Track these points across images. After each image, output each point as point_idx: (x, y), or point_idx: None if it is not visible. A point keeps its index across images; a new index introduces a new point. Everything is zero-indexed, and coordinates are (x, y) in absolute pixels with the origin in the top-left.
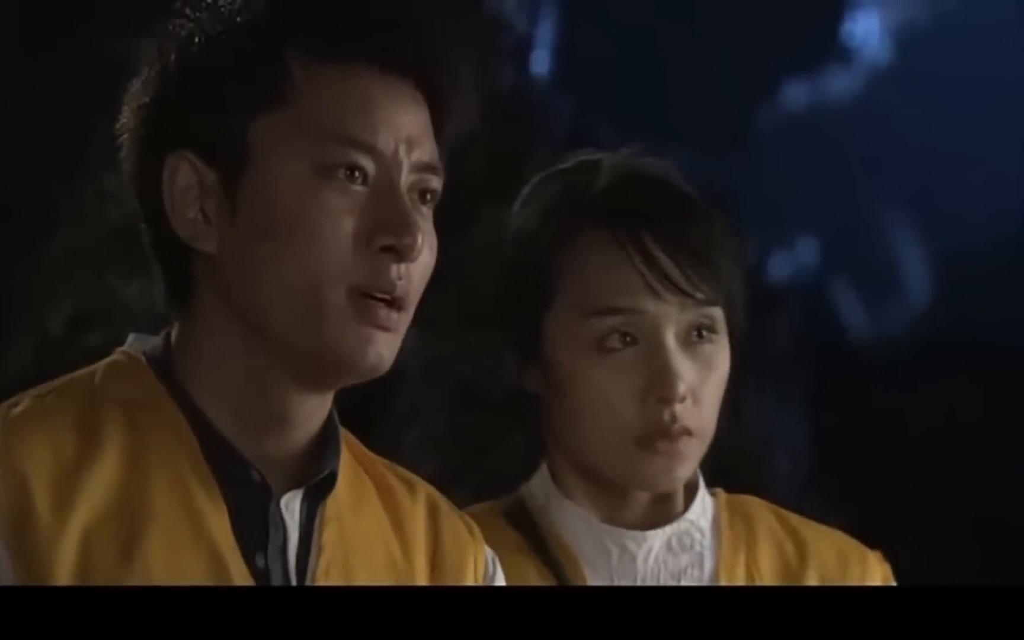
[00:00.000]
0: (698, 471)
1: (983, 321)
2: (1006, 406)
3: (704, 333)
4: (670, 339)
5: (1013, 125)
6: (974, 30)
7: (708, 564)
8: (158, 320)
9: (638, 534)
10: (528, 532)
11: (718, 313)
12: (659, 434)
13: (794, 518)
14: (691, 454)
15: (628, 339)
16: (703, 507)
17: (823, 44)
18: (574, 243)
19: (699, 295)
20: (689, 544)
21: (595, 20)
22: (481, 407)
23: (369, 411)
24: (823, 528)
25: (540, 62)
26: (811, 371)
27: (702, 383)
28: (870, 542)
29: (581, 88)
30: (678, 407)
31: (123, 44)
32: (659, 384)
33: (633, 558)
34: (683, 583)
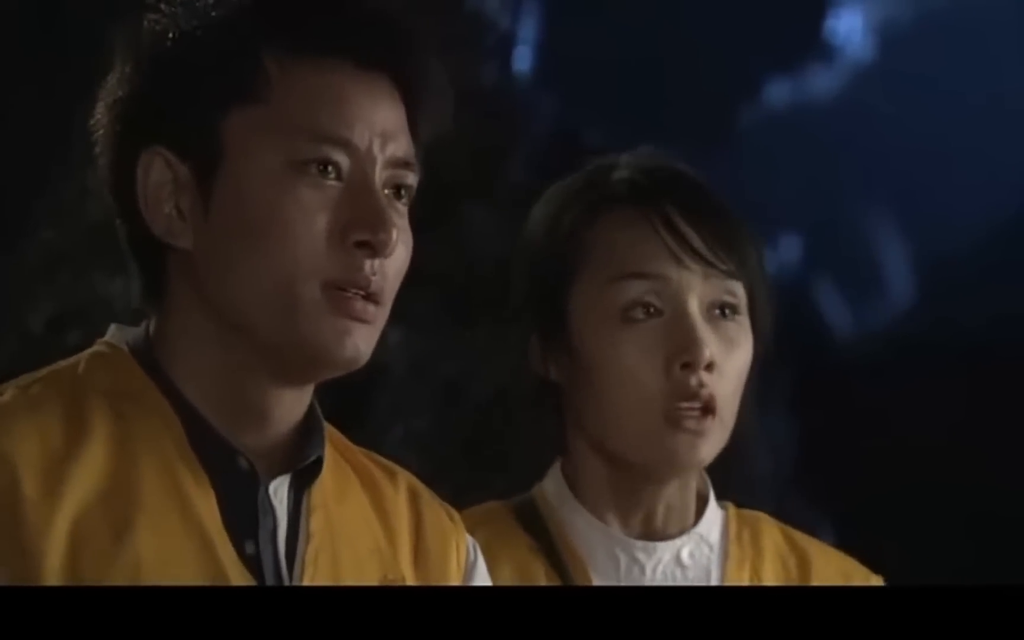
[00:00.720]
0: (708, 482)
1: (966, 320)
2: (990, 405)
3: (727, 312)
4: (694, 307)
5: (997, 124)
6: (958, 28)
7: (714, 578)
8: (140, 317)
9: (648, 545)
10: (538, 534)
11: (741, 291)
12: (686, 398)
13: (801, 537)
14: (714, 433)
15: (652, 310)
16: (713, 520)
17: (806, 42)
18: (598, 221)
19: (722, 266)
20: (698, 557)
21: (578, 18)
22: (466, 406)
23: (353, 409)
24: (829, 549)
25: (522, 59)
26: (793, 369)
27: (725, 360)
28: (854, 541)
29: (564, 86)
30: (704, 374)
31: (105, 39)
32: (683, 351)
33: (642, 568)
34: None
